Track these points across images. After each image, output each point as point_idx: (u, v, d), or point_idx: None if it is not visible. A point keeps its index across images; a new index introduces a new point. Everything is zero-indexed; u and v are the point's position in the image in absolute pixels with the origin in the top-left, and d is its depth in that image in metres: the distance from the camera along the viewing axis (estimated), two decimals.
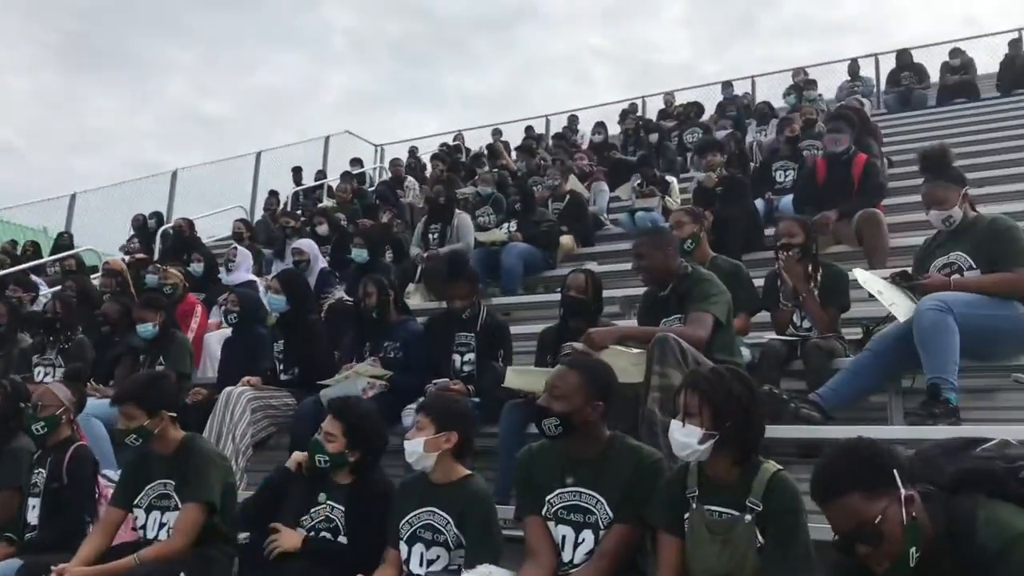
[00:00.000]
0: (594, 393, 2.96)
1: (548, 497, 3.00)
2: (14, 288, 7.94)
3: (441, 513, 3.15)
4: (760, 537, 2.56)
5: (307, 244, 7.47)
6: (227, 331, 6.92)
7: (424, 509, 3.19)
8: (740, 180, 7.43)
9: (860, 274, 4.27)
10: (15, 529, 4.03)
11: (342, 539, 3.42)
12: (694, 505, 2.69)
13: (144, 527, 3.67)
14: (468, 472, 3.25)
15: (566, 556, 2.94)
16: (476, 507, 3.11)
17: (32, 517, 4.00)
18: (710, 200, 7.15)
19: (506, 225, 7.99)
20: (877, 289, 4.17)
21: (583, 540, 2.92)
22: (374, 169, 16.96)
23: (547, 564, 2.91)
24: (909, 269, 4.42)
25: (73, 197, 13.37)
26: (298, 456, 3.57)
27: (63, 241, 11.96)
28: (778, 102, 13.15)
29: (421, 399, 4.73)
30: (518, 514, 3.11)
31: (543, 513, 3.00)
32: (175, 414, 3.67)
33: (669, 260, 4.21)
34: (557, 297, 7.68)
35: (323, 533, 3.43)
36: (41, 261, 11.06)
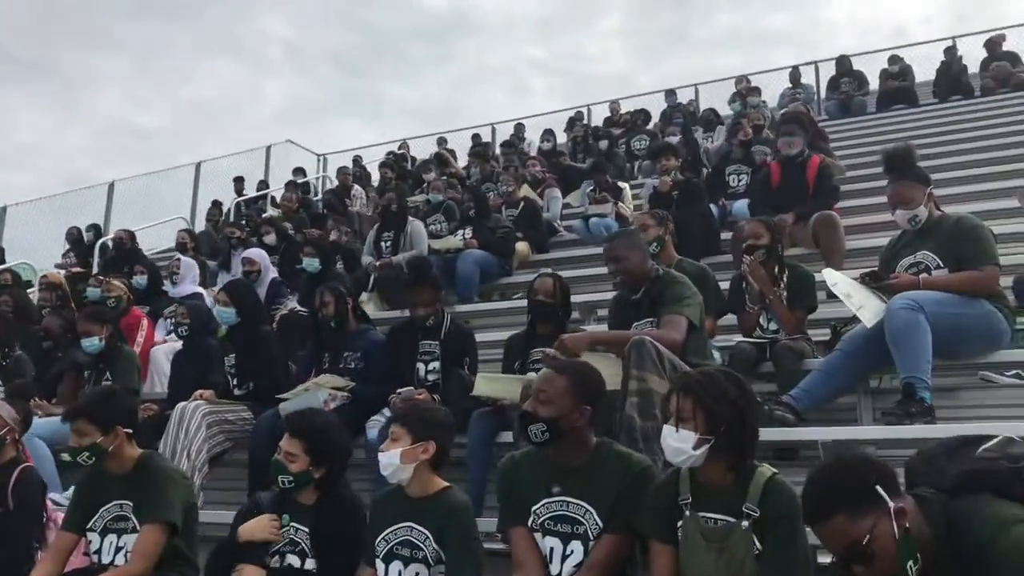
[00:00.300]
0: (582, 397, 2.86)
1: (534, 507, 2.89)
2: None
3: (419, 528, 3.01)
4: (758, 543, 2.49)
5: (257, 254, 7.26)
6: (174, 345, 6.70)
7: (401, 525, 3.05)
8: (695, 184, 7.44)
9: (829, 275, 4.26)
10: None
11: (310, 562, 3.27)
12: (687, 512, 2.61)
13: (99, 551, 3.46)
14: (446, 484, 3.12)
15: (554, 569, 2.83)
16: (455, 521, 2.98)
17: None
18: (666, 204, 7.13)
19: (461, 232, 7.87)
20: (845, 292, 4.15)
21: (571, 552, 2.82)
22: (317, 178, 16.69)
23: None
24: (875, 269, 4.43)
25: (3, 210, 12.86)
26: (259, 529, 3.28)
27: None
28: (722, 109, 13.33)
29: (385, 409, 4.64)
30: (502, 525, 2.99)
31: (529, 524, 2.89)
32: (131, 430, 3.47)
33: (643, 262, 4.15)
34: (515, 304, 7.71)
35: (289, 557, 3.27)
36: None
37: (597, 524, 2.80)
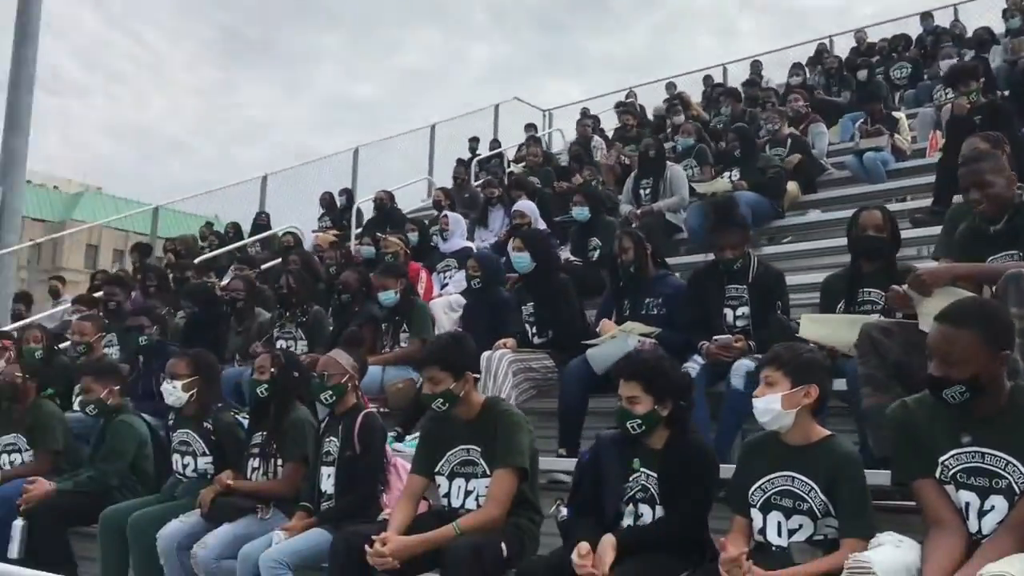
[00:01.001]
0: (995, 343, 2.48)
1: (942, 459, 2.59)
2: (239, 266, 8.12)
3: (803, 478, 2.80)
4: None
5: (527, 207, 7.24)
6: (449, 298, 6.85)
7: (780, 474, 2.85)
8: (1002, 105, 6.63)
9: None
10: (309, 499, 3.98)
11: (659, 509, 3.15)
12: None
13: (448, 495, 3.52)
14: (829, 432, 2.89)
15: (971, 526, 2.52)
16: (848, 472, 2.75)
17: (327, 486, 3.92)
18: (966, 130, 6.41)
19: (727, 174, 7.51)
20: None
21: (991, 507, 2.50)
22: (546, 134, 16.68)
23: (959, 531, 2.50)
24: None
25: (265, 178, 13.71)
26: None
27: (261, 221, 12.30)
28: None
29: (696, 356, 4.44)
30: (900, 478, 2.72)
31: (937, 476, 2.60)
32: (479, 376, 3.48)
33: (1009, 187, 3.68)
34: (786, 248, 7.30)
35: (641, 506, 3.18)
36: (246, 241, 11.43)
37: (1023, 477, 2.47)
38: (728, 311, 4.63)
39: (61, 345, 7.20)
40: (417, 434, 4.88)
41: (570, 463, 4.46)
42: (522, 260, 5.19)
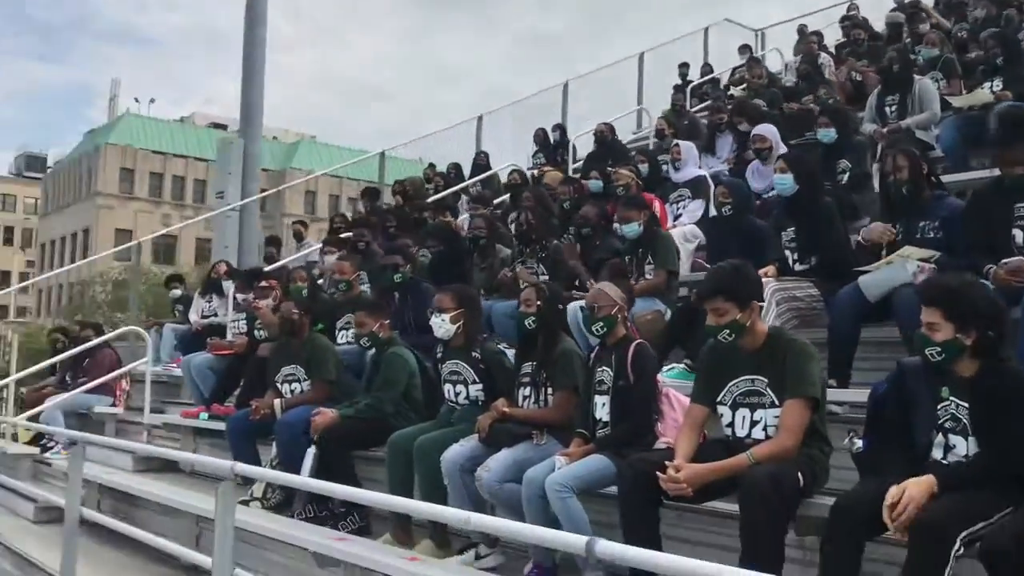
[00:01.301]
0: None
1: None
2: (474, 205, 8.35)
3: None
4: None
5: (768, 130, 6.92)
6: (685, 228, 6.77)
7: None
8: None
9: None
10: (584, 426, 4.08)
11: (971, 440, 2.98)
12: None
13: (731, 425, 3.50)
14: None
15: None
16: None
17: (601, 414, 4.00)
18: None
19: (988, 84, 6.88)
20: None
21: None
22: (762, 55, 15.91)
23: None
24: None
25: (480, 120, 13.94)
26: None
27: (480, 161, 12.55)
28: None
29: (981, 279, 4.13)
30: None
31: None
32: (763, 304, 3.41)
33: None
34: None
35: (952, 437, 3.02)
36: (468, 182, 11.72)
37: None
38: (1017, 232, 4.26)
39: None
40: (671, 365, 4.93)
41: (842, 394, 4.33)
42: (785, 182, 4.97)
